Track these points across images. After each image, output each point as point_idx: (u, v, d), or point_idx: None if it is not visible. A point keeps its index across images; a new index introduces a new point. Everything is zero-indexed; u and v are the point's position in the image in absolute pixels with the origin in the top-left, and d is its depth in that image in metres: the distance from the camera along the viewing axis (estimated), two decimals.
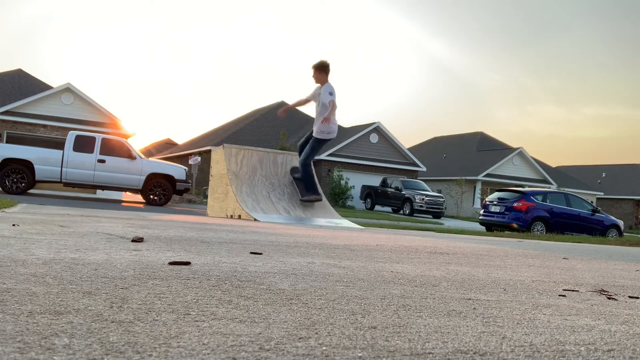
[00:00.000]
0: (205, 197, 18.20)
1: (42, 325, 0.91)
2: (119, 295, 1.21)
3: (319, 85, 7.30)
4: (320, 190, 7.71)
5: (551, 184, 36.88)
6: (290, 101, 8.77)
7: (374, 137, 32.71)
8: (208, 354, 0.82)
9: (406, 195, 26.41)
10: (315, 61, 7.30)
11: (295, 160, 8.14)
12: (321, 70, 7.21)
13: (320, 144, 7.45)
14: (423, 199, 25.80)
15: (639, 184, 45.31)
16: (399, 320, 1.19)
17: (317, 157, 30.23)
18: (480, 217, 15.89)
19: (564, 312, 1.47)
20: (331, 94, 7.16)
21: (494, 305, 1.50)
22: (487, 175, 36.19)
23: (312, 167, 7.58)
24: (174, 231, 3.25)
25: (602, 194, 42.34)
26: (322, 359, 0.84)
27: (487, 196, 21.10)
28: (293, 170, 7.83)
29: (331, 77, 7.37)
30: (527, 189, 16.12)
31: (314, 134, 7.41)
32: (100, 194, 20.66)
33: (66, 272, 1.47)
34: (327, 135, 7.45)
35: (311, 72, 7.27)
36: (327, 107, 7.10)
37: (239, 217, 7.00)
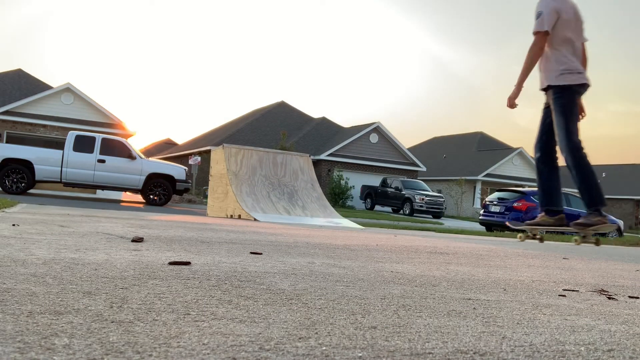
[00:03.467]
0: (205, 197, 18.20)
1: (42, 325, 0.91)
2: (119, 295, 1.21)
3: None
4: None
5: None
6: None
7: (374, 137, 32.72)
8: (208, 354, 0.82)
9: (406, 195, 26.42)
10: None
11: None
12: None
13: (568, 93, 4.30)
14: (423, 199, 25.80)
15: (639, 184, 45.30)
16: (399, 320, 1.19)
17: (316, 157, 30.23)
18: (480, 217, 15.90)
19: (564, 312, 1.47)
20: (538, 15, 4.33)
21: (494, 305, 1.50)
22: (487, 175, 36.20)
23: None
24: (174, 231, 3.25)
25: None
26: (322, 359, 0.84)
27: (487, 196, 21.10)
28: (514, 221, 5.01)
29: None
30: (527, 189, 16.12)
31: (548, 83, 4.41)
32: (100, 194, 20.66)
33: (66, 272, 1.47)
34: (574, 78, 4.30)
35: None
36: (555, 47, 4.35)
37: (239, 217, 7.00)
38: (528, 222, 5.13)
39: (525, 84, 4.46)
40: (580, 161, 4.24)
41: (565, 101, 4.24)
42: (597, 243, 5.03)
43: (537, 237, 5.29)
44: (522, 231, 5.41)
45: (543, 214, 4.73)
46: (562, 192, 4.75)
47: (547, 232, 13.75)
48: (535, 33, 4.30)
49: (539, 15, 4.31)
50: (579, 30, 4.44)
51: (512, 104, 4.40)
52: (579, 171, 4.24)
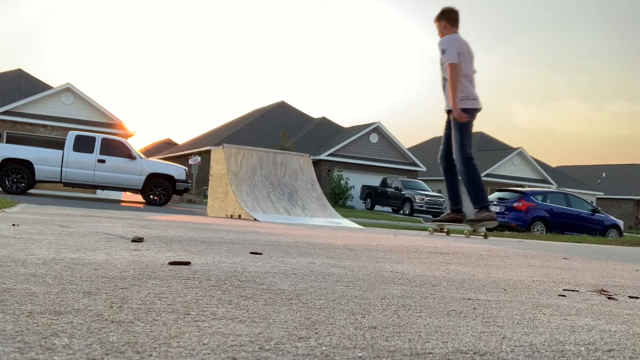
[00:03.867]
0: (205, 197, 18.21)
1: (42, 325, 0.91)
2: (119, 295, 1.21)
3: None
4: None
5: (551, 184, 36.90)
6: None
7: (374, 137, 32.72)
8: (208, 354, 0.82)
9: (406, 195, 26.42)
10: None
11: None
12: (440, 18, 5.47)
13: (467, 115, 5.30)
14: (423, 199, 25.81)
15: (639, 184, 45.30)
16: (399, 320, 1.19)
17: (316, 157, 30.25)
18: None
19: (564, 312, 1.47)
20: (444, 51, 5.27)
21: (494, 305, 1.50)
22: (487, 175, 36.20)
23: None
24: (173, 231, 3.25)
25: (602, 194, 42.35)
26: (322, 359, 0.84)
27: None
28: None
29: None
30: (527, 189, 16.13)
31: (448, 108, 5.40)
32: (100, 194, 20.67)
33: (66, 272, 1.47)
34: (472, 103, 5.29)
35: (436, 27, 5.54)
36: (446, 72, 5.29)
37: (239, 217, 7.00)
38: (436, 219, 6.07)
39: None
40: (469, 169, 5.17)
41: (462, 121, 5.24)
42: (485, 236, 5.55)
43: (445, 230, 6.03)
44: (438, 223, 6.14)
45: (450, 212, 5.67)
46: (461, 194, 5.52)
47: (547, 232, 13.74)
48: (450, 64, 5.23)
49: (444, 51, 5.28)
50: (472, 64, 5.46)
51: (463, 118, 5.26)
52: (468, 176, 5.22)
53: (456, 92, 5.18)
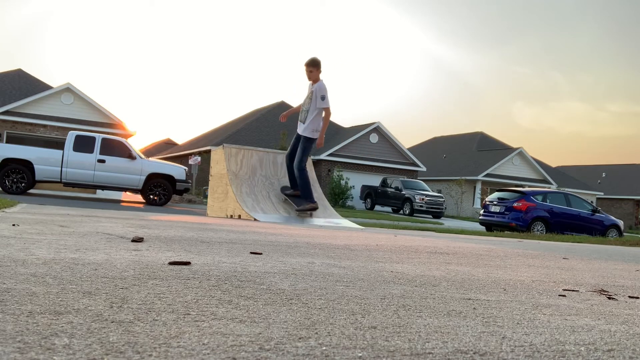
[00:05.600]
0: (205, 197, 18.20)
1: (42, 325, 0.91)
2: (119, 295, 1.21)
3: (311, 82, 7.24)
4: (314, 194, 7.46)
5: (551, 184, 36.89)
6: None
7: (374, 137, 32.71)
8: (208, 354, 0.82)
9: (406, 195, 26.41)
10: (307, 59, 7.25)
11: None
12: (312, 66, 7.14)
13: (312, 143, 7.24)
14: (423, 199, 25.80)
15: (639, 184, 45.31)
16: (399, 320, 1.19)
17: (317, 157, 30.26)
18: (480, 217, 15.89)
19: (564, 312, 1.47)
20: (323, 97, 7.08)
21: (494, 305, 1.50)
22: (487, 175, 36.19)
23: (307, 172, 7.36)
24: (174, 231, 3.25)
25: (602, 194, 42.35)
26: (322, 359, 0.84)
27: (487, 196, 21.10)
28: (283, 188, 7.60)
29: (325, 75, 7.66)
30: (527, 189, 16.11)
31: (303, 133, 7.17)
32: (100, 194, 20.67)
33: (66, 272, 1.47)
34: (316, 135, 7.27)
35: (304, 69, 7.23)
36: (320, 112, 7.09)
37: (239, 217, 7.00)
38: (300, 207, 7.42)
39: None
40: (302, 174, 7.18)
41: (307, 145, 7.20)
42: (311, 216, 7.39)
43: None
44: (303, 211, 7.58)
45: (296, 190, 7.47)
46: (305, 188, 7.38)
47: (547, 232, 13.74)
48: (327, 108, 7.14)
49: (323, 97, 7.08)
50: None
51: (321, 144, 7.31)
52: (301, 181, 7.20)
53: (325, 128, 7.18)
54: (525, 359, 0.94)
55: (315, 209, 7.30)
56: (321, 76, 7.23)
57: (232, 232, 3.63)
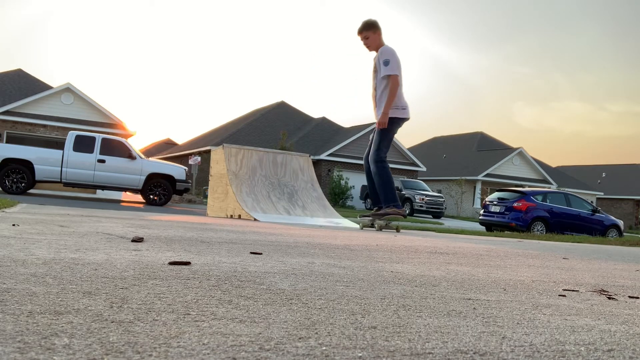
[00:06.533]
0: (205, 197, 18.20)
1: (42, 325, 0.91)
2: (119, 295, 1.21)
3: (374, 52, 5.75)
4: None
5: (551, 184, 36.90)
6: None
7: None
8: (208, 354, 0.82)
9: (406, 195, 26.42)
10: (359, 24, 5.69)
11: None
12: (367, 30, 5.64)
13: (391, 125, 5.63)
14: (423, 199, 25.81)
15: (639, 184, 45.31)
16: (399, 320, 1.19)
17: (316, 157, 30.25)
18: (480, 217, 15.89)
19: (564, 312, 1.47)
20: (387, 63, 5.53)
21: (494, 305, 1.50)
22: (487, 175, 36.19)
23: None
24: (174, 231, 3.25)
25: (602, 194, 42.36)
26: (322, 359, 0.84)
27: (487, 196, 21.10)
28: (361, 217, 6.27)
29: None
30: (527, 189, 16.12)
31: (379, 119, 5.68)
32: (100, 194, 20.68)
33: (66, 272, 1.47)
34: (402, 113, 5.64)
35: (360, 40, 5.73)
36: (386, 84, 5.57)
37: (239, 217, 7.00)
38: (367, 214, 6.21)
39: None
40: (381, 168, 5.63)
41: (384, 129, 5.62)
42: (397, 230, 5.96)
43: (374, 226, 6.18)
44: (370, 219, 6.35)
45: (377, 208, 5.95)
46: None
47: (547, 232, 13.75)
48: (392, 75, 5.52)
49: (386, 62, 5.53)
50: (401, 76, 5.72)
51: (385, 124, 5.59)
52: (378, 178, 5.67)
53: (391, 102, 5.55)
54: (525, 359, 0.94)
55: (401, 215, 5.76)
56: (384, 41, 5.71)
57: (232, 232, 3.63)
